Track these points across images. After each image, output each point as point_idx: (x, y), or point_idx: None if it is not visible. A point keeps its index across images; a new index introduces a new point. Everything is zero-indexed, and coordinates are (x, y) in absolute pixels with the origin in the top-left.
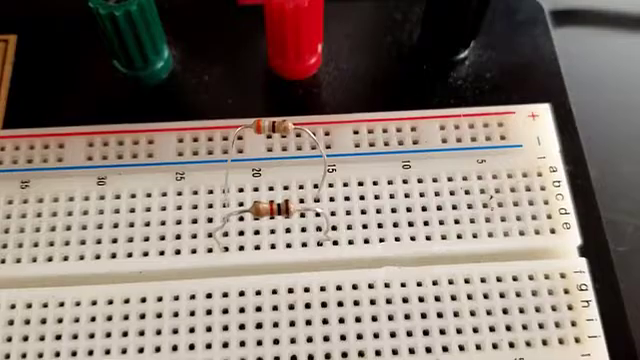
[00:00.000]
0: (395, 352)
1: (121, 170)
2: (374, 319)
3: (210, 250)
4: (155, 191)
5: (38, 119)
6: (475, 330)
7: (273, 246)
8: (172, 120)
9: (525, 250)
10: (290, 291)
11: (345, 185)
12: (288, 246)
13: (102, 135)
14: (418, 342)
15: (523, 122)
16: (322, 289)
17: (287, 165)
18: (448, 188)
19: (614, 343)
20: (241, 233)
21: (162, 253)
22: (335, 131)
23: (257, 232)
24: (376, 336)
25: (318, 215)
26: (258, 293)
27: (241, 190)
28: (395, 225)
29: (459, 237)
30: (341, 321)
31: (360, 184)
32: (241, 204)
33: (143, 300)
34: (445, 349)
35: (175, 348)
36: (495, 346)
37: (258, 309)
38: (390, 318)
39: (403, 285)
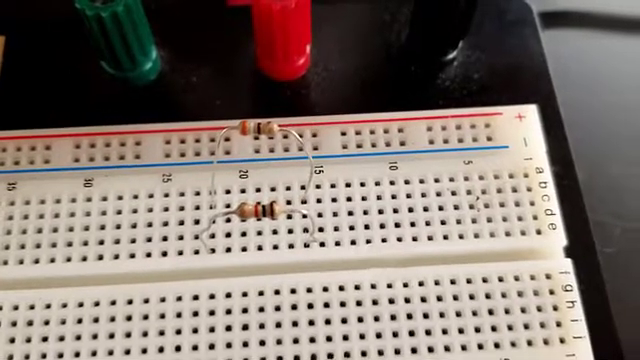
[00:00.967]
0: (381, 353)
1: (108, 172)
2: (360, 320)
3: (197, 252)
4: (142, 193)
5: (25, 121)
6: (461, 331)
7: (260, 247)
8: (160, 121)
9: (511, 251)
10: (277, 292)
11: (332, 186)
12: (275, 247)
13: (89, 137)
14: (404, 343)
15: (510, 123)
16: (309, 290)
17: (274, 166)
18: (435, 189)
19: (599, 344)
20: (228, 235)
21: (149, 255)
22: (323, 132)
23: (244, 234)
24: (362, 337)
25: (304, 217)
26: (245, 295)
27: (228, 192)
28: (382, 226)
29: (445, 238)
30: (327, 322)
31: (347, 185)
32: (228, 206)
33: (129, 302)
34: (431, 350)
35: (161, 350)
36: (480, 346)
37: (244, 311)
38: (376, 319)
39: (389, 286)
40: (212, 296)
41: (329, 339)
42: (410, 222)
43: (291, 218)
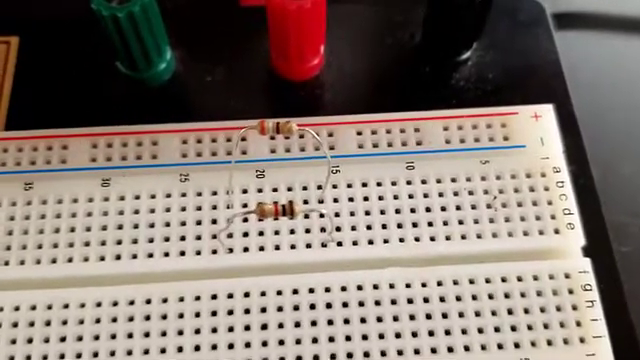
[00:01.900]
0: (400, 353)
1: (125, 171)
2: (379, 320)
3: (214, 251)
4: (159, 192)
5: (41, 121)
6: (480, 330)
7: (277, 247)
8: (175, 121)
9: (529, 250)
10: (295, 292)
11: (349, 186)
12: (292, 247)
13: (106, 136)
14: (423, 343)
15: (526, 123)
16: (327, 290)
17: (291, 166)
18: (452, 189)
19: (618, 343)
20: (245, 234)
21: (167, 254)
22: (338, 132)
23: (261, 233)
24: (381, 337)
25: (322, 216)
26: (263, 294)
27: (245, 191)
28: (399, 226)
29: (463, 238)
30: (346, 322)
31: (364, 185)
32: (245, 205)
33: (148, 302)
34: (450, 350)
35: (180, 349)
36: (500, 346)
37: (263, 310)
38: (395, 319)
39: (408, 286)
40: (230, 296)
41: (348, 338)
42: (428, 222)
43: (308, 217)
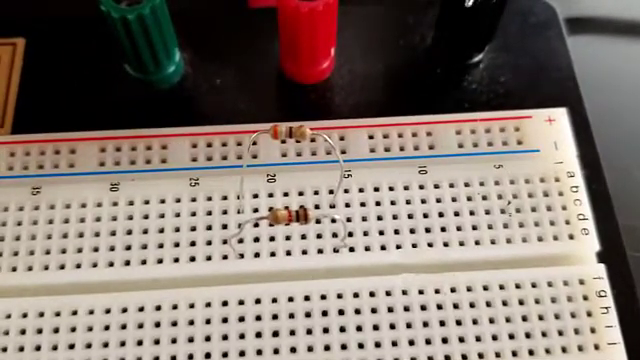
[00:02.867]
0: None
1: (134, 176)
2: (392, 327)
3: (225, 257)
4: (169, 197)
5: (48, 124)
6: (494, 337)
7: (289, 253)
8: (184, 124)
9: (544, 256)
10: (306, 299)
11: (361, 191)
12: (304, 253)
13: (114, 140)
14: (437, 350)
15: (540, 126)
16: (339, 296)
17: (302, 170)
18: (465, 193)
19: (633, 349)
20: (256, 240)
21: (176, 260)
22: (350, 136)
23: (272, 239)
24: (394, 344)
25: (334, 221)
26: (274, 301)
27: (256, 196)
28: (412, 231)
29: (477, 243)
30: (358, 329)
31: (376, 190)
32: (256, 210)
33: (158, 308)
34: (465, 357)
35: (191, 357)
36: (514, 354)
37: (274, 317)
38: (408, 326)
39: (421, 292)
40: (241, 302)
41: (361, 346)
42: (441, 227)
43: (320, 223)
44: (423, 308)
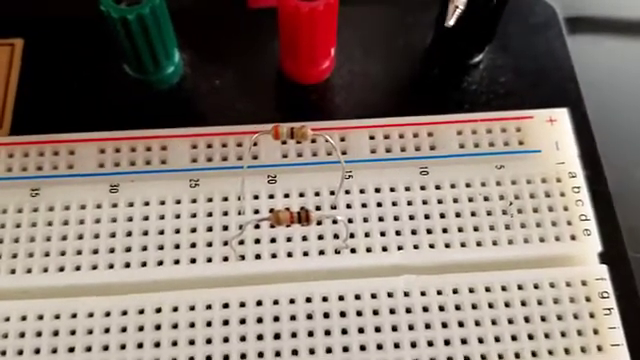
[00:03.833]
0: None
1: (134, 177)
2: (394, 329)
3: (226, 259)
4: (169, 198)
5: (46, 125)
6: (497, 339)
7: (290, 254)
8: (183, 125)
9: (545, 257)
10: (308, 300)
11: (362, 192)
12: (305, 254)
13: (114, 141)
14: (439, 352)
15: (541, 127)
16: (340, 298)
17: (303, 171)
18: (467, 194)
19: (636, 351)
20: (257, 241)
21: (177, 262)
22: (351, 136)
23: (273, 240)
24: (396, 346)
25: (335, 222)
26: (275, 302)
27: (256, 197)
28: (413, 232)
29: (479, 244)
30: (360, 331)
31: (377, 190)
32: (256, 211)
33: (158, 310)
34: (467, 359)
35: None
36: (517, 355)
37: (276, 319)
38: (410, 327)
39: (423, 294)
40: (242, 304)
41: (362, 348)
42: (442, 228)
43: (321, 224)
44: (425, 309)
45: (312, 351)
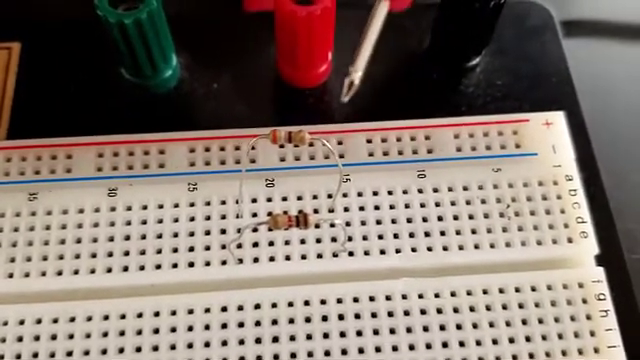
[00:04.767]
0: None
1: (132, 181)
2: (392, 331)
3: (224, 262)
4: (167, 202)
5: (44, 129)
6: (494, 341)
7: (288, 258)
8: (181, 128)
9: (543, 260)
10: (306, 303)
11: (359, 195)
12: (303, 257)
13: (112, 145)
14: (437, 355)
15: (538, 130)
16: (339, 301)
17: (300, 175)
18: (464, 197)
19: (632, 352)
20: (255, 244)
21: (175, 266)
22: (348, 140)
23: (271, 243)
24: (395, 349)
25: (333, 226)
26: (274, 306)
27: (254, 201)
28: (411, 235)
29: (476, 247)
30: (359, 334)
31: (375, 194)
32: (255, 215)
33: (156, 314)
34: None
35: None
36: (515, 357)
37: (274, 322)
38: (408, 330)
39: (421, 296)
40: (241, 307)
41: (361, 351)
42: (440, 231)
43: (319, 227)
44: (423, 312)
45: (310, 354)
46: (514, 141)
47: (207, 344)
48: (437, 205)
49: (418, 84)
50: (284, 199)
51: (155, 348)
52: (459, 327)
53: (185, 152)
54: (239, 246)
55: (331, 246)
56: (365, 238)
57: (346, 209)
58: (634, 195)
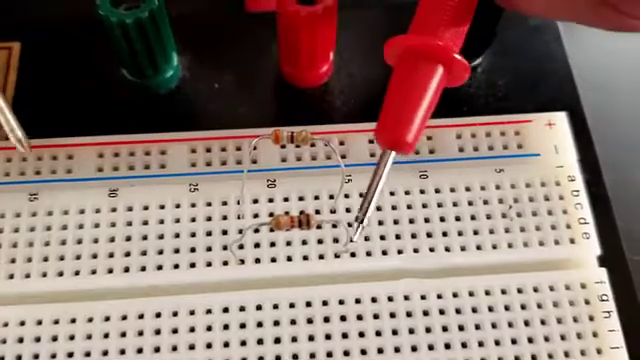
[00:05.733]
0: None
1: (133, 181)
2: (394, 332)
3: (226, 263)
4: (168, 203)
5: (44, 129)
6: (497, 342)
7: (290, 258)
8: (182, 129)
9: (545, 260)
10: (308, 304)
11: (361, 195)
12: (305, 258)
13: (113, 146)
14: (440, 356)
15: (540, 130)
16: (341, 302)
17: (302, 175)
18: (466, 198)
19: (635, 353)
20: (257, 245)
21: (176, 266)
22: (350, 140)
23: (273, 244)
24: (397, 350)
25: (335, 226)
26: (275, 307)
27: (256, 201)
28: (413, 236)
29: (478, 248)
30: (361, 335)
31: None
32: (256, 215)
33: (158, 315)
34: None
35: None
36: (517, 359)
37: (276, 323)
38: (411, 331)
39: (423, 297)
40: (242, 308)
41: (363, 352)
42: (442, 232)
43: (321, 228)
44: (425, 313)
45: (313, 355)
46: (516, 142)
47: (209, 345)
48: (439, 206)
49: None
50: (286, 200)
51: (156, 349)
52: (461, 328)
53: (186, 152)
54: (241, 247)
55: (333, 247)
56: (367, 239)
57: (348, 210)
58: (636, 196)
